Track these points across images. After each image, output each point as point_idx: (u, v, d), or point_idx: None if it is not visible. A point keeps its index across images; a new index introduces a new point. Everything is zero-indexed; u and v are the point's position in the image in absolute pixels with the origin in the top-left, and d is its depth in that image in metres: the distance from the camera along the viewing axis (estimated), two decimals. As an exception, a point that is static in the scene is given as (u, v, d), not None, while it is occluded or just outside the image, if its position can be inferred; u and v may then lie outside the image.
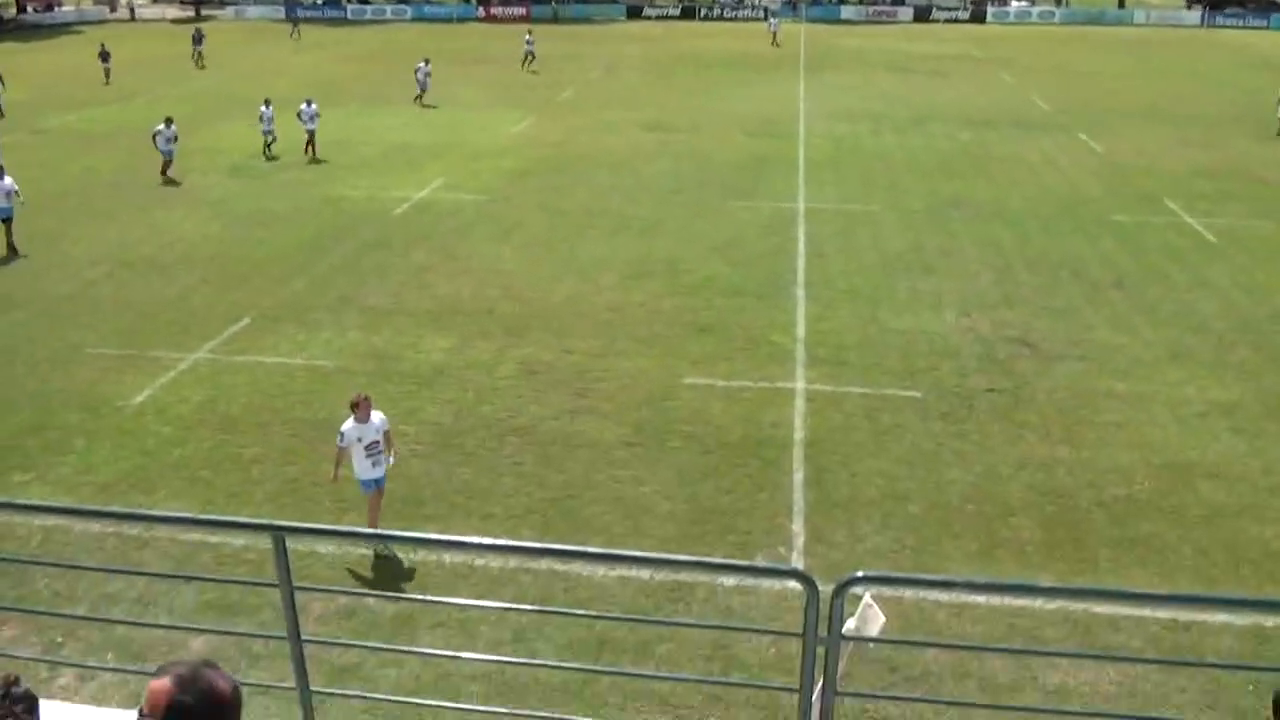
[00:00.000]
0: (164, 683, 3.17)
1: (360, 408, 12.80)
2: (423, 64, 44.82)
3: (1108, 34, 77.88)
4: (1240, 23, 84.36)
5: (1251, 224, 27.23)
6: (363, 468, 12.86)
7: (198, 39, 58.72)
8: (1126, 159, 34.68)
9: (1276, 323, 20.49)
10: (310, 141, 34.11)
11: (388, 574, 12.71)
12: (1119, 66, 58.95)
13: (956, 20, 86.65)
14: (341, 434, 12.79)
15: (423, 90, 44.47)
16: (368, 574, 12.70)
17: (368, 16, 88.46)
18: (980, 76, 54.28)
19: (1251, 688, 11.01)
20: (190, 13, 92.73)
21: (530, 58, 56.41)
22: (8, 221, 24.25)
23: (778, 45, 65.11)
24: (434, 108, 43.35)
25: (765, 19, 69.57)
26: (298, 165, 32.86)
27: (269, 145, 34.54)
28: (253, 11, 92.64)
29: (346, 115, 41.81)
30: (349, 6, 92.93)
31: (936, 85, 51.06)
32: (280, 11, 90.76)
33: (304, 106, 34.00)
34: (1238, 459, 15.53)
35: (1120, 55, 64.20)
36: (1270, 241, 25.72)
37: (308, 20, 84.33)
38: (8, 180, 24.19)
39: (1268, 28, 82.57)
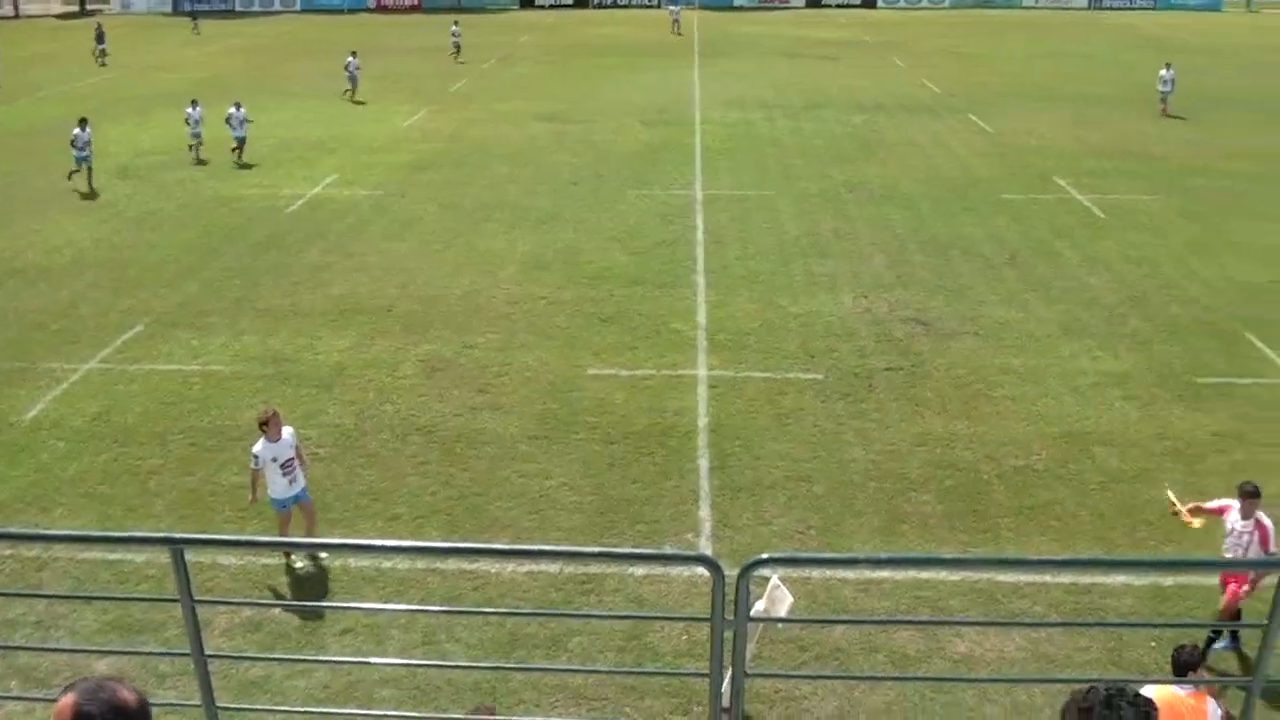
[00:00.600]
0: (69, 698, 3.13)
1: (270, 425, 12.42)
2: (351, 58, 43.39)
3: (997, 17, 79.33)
4: (1127, 4, 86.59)
5: (1138, 199, 28.00)
6: (279, 487, 12.48)
7: (100, 36, 56.64)
8: (1016, 139, 35.42)
9: (1165, 294, 21.12)
10: (239, 147, 32.38)
11: (293, 583, 12.52)
12: (1008, 49, 60.13)
13: (848, 6, 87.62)
14: (255, 456, 12.39)
15: (353, 85, 43.17)
16: (273, 584, 12.49)
17: (256, 8, 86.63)
18: (872, 61, 54.96)
19: (1153, 644, 11.40)
20: (75, 8, 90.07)
21: (457, 49, 55.23)
22: None
23: (679, 34, 64.74)
24: (364, 104, 42.30)
25: (665, 6, 68.61)
26: (183, 165, 32.05)
27: (195, 148, 32.91)
28: (139, 5, 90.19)
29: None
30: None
31: (829, 70, 51.60)
32: (168, 5, 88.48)
33: (233, 110, 32.18)
34: (1131, 426, 16.00)
35: (1009, 38, 65.49)
36: (1157, 216, 26.49)
37: (200, 14, 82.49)
38: None
39: (1154, 8, 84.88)
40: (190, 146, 32.88)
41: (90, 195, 28.87)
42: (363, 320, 19.97)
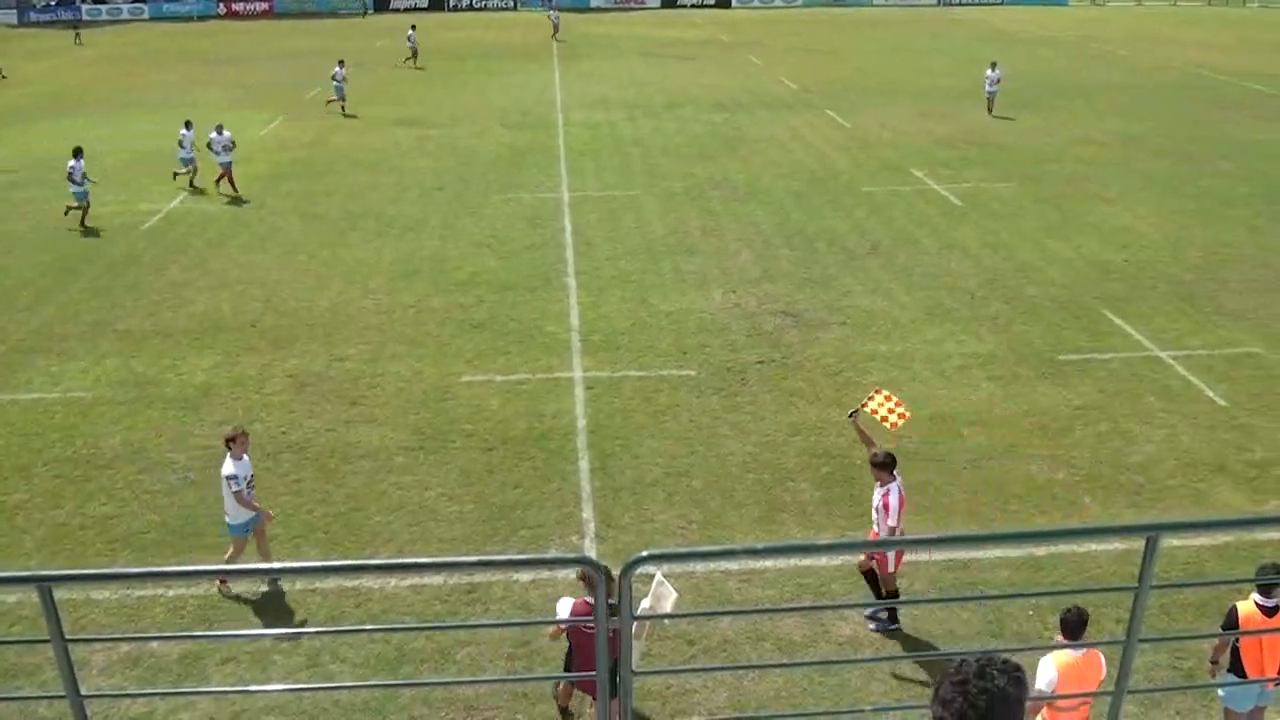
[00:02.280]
0: None
1: (239, 443, 12.12)
2: (338, 68, 41.52)
3: (850, 15, 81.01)
4: (975, 0, 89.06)
5: (992, 187, 28.88)
6: (242, 509, 12.13)
7: None
8: (872, 133, 36.20)
9: (1022, 276, 21.81)
10: (225, 175, 29.36)
11: (170, 613, 12.14)
12: (861, 46, 61.43)
13: (703, 6, 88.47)
14: (235, 477, 12.00)
15: (340, 97, 41.23)
16: (149, 615, 12.09)
17: (103, 17, 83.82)
18: (729, 60, 55.62)
19: (1031, 612, 11.77)
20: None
21: (415, 54, 53.51)
22: None
23: (559, 40, 64.00)
24: (355, 117, 40.41)
25: (546, 11, 67.20)
26: (37, 183, 30.80)
27: (191, 177, 30.02)
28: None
29: (87, 124, 39.48)
30: (84, 7, 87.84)
31: (687, 70, 52.05)
32: (13, 17, 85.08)
33: (214, 135, 29.05)
34: (997, 404, 16.50)
35: (862, 35, 66.91)
36: (1010, 202, 27.34)
37: (41, 24, 79.51)
38: None
39: (1001, 4, 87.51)
40: (186, 175, 30.03)
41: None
42: (227, 337, 19.48)
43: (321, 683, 10.87)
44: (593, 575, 9.04)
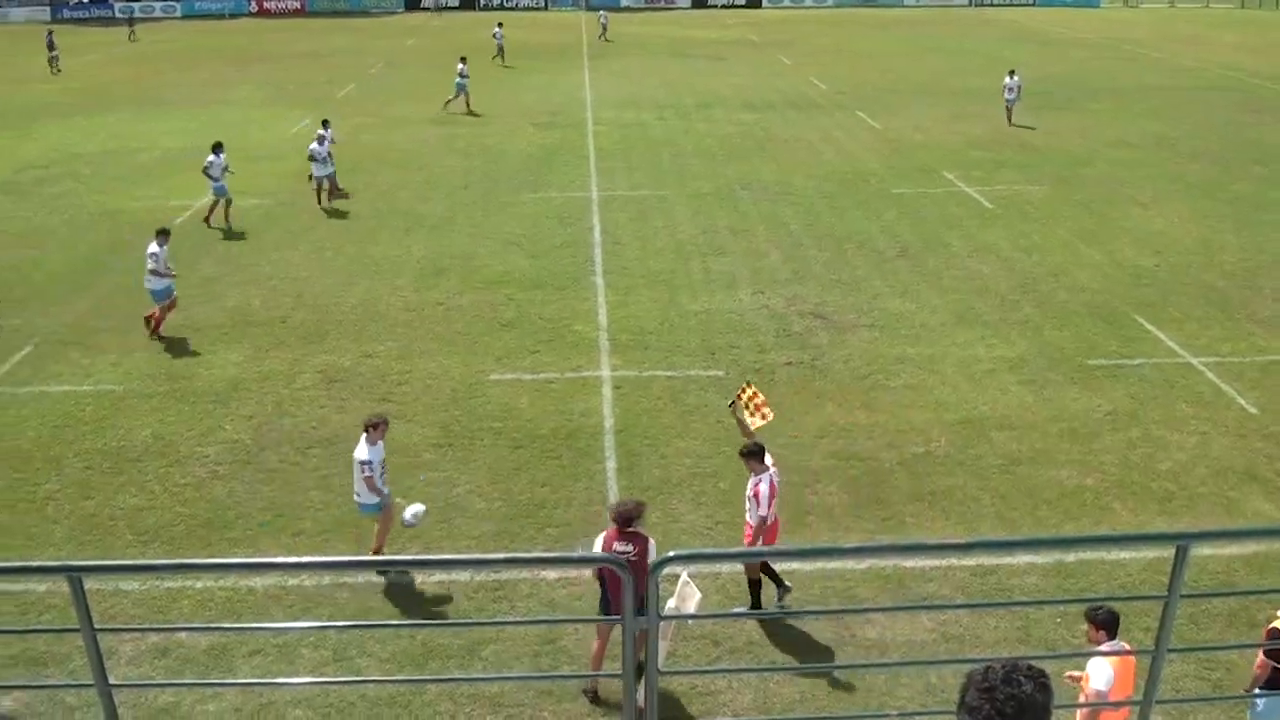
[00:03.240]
0: None
1: (379, 430, 12.40)
2: (461, 64, 41.06)
3: (881, 15, 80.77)
4: (1006, 1, 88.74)
5: (1025, 189, 28.72)
6: (372, 492, 12.42)
7: (51, 45, 54.61)
8: (904, 134, 36.07)
9: (1054, 280, 21.68)
10: (330, 187, 28.08)
11: (198, 605, 12.22)
12: (893, 47, 61.23)
13: (734, 6, 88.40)
14: (368, 463, 12.26)
15: (461, 94, 40.67)
16: (177, 607, 12.17)
17: (136, 14, 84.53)
18: (760, 60, 55.54)
19: (1059, 620, 11.68)
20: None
21: (501, 52, 53.26)
22: None
23: (608, 40, 63.47)
24: (478, 115, 40.31)
25: (596, 12, 66.09)
26: (70, 177, 31.10)
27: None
28: (17, 15, 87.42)
29: (120, 121, 39.89)
30: (116, 5, 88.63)
31: (717, 70, 52.01)
32: (46, 14, 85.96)
33: (315, 146, 27.67)
34: (1027, 409, 16.40)
35: (893, 36, 66.70)
36: (1043, 205, 27.19)
37: (72, 20, 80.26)
38: None
39: (1033, 5, 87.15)
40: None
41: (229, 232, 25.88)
42: (257, 332, 19.59)
43: (348, 677, 10.92)
44: (628, 509, 9.02)
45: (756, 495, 11.40)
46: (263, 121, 39.65)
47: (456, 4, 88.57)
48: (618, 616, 4.33)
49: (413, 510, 12.63)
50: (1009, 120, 37.20)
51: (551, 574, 12.51)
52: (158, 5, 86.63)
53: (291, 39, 67.10)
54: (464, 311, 20.47)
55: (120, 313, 20.57)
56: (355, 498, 12.70)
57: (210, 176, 25.69)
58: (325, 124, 29.05)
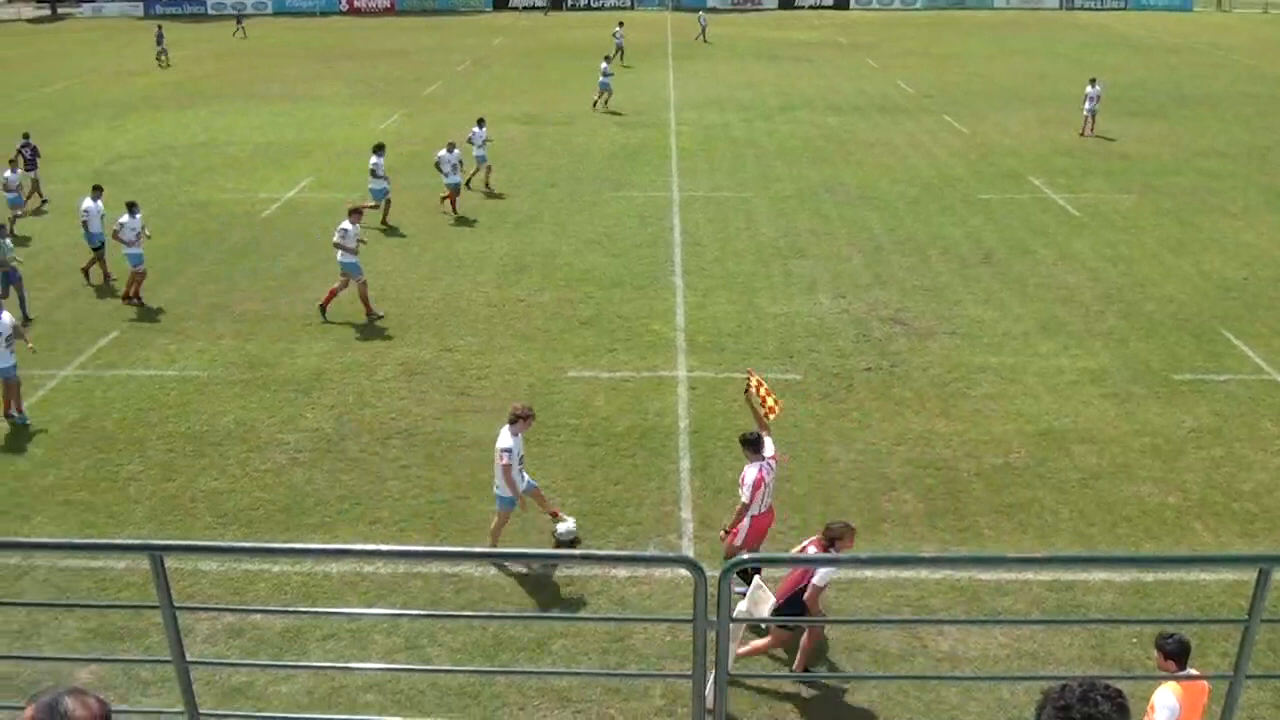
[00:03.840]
0: (28, 712, 3.14)
1: (525, 421, 12.56)
2: (605, 64, 41.93)
3: (970, 18, 79.73)
4: (1098, 5, 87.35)
5: (1112, 198, 28.20)
6: (511, 483, 12.50)
7: (159, 38, 56.34)
8: (990, 139, 35.60)
9: (1140, 291, 21.26)
10: (483, 171, 29.38)
11: (274, 588, 12.44)
12: (981, 49, 60.45)
13: (821, 7, 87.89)
14: (509, 450, 12.39)
15: (607, 90, 41.20)
16: (254, 589, 12.41)
17: (228, 11, 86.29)
18: (845, 62, 55.15)
19: (1135, 640, 11.44)
20: (46, 12, 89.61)
21: (620, 52, 53.50)
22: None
23: (707, 42, 62.82)
24: (618, 114, 40.56)
25: (699, 20, 65.92)
26: (161, 169, 31.85)
27: (486, 177, 29.59)
28: (111, 9, 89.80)
29: (211, 115, 40.77)
30: (209, 1, 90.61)
31: (803, 72, 51.73)
32: (140, 10, 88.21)
33: (476, 130, 29.13)
34: (1109, 423, 16.09)
35: (982, 38, 65.83)
36: (1130, 214, 26.67)
37: (166, 16, 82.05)
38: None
39: (1125, 8, 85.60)
40: (482, 177, 29.60)
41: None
42: (340, 324, 19.89)
43: (419, 665, 11.04)
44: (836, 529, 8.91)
45: (741, 481, 11.61)
46: (351, 118, 40.24)
47: (544, 3, 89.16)
48: (688, 617, 4.33)
49: (565, 526, 12.67)
50: (1088, 129, 35.73)
51: (622, 572, 12.54)
52: (249, 1, 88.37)
53: (380, 37, 68.00)
54: (544, 308, 20.60)
55: (207, 301, 21.03)
56: (495, 489, 12.77)
57: (376, 176, 25.79)
58: (480, 122, 29.26)
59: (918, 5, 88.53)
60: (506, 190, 29.17)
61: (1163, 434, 15.77)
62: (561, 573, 12.51)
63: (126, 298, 21.06)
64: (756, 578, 10.51)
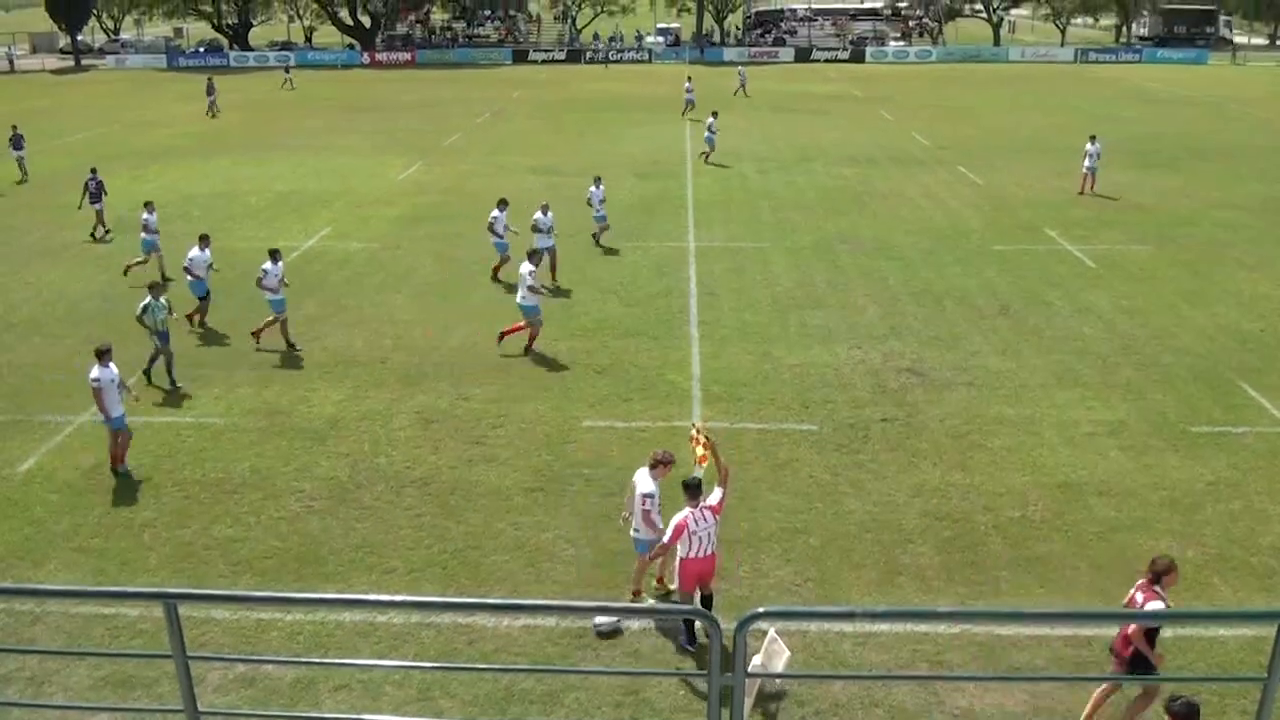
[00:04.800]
0: None
1: (666, 465, 12.64)
2: (711, 118, 42.17)
3: (984, 71, 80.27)
4: (1113, 58, 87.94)
5: (1128, 249, 28.19)
6: (649, 528, 12.50)
7: (210, 89, 57.44)
8: (1006, 190, 35.68)
9: (1157, 343, 21.19)
10: (600, 231, 28.77)
11: (287, 637, 12.40)
12: (996, 102, 60.77)
13: (836, 60, 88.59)
14: (651, 495, 12.44)
15: (711, 147, 41.20)
16: (266, 638, 12.36)
17: (250, 63, 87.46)
18: (861, 115, 55.47)
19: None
20: (70, 63, 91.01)
21: (690, 106, 54.16)
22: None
23: (746, 95, 62.73)
24: (726, 167, 40.85)
25: (739, 75, 64.83)
26: (182, 218, 32.11)
27: (597, 235, 29.04)
28: (134, 61, 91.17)
29: (232, 165, 41.20)
30: (231, 54, 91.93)
31: (819, 124, 52.04)
32: (163, 62, 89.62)
33: (593, 189, 28.71)
34: (1127, 475, 15.97)
35: (997, 91, 66.19)
36: (1147, 265, 26.65)
37: (187, 69, 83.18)
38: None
39: (1139, 61, 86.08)
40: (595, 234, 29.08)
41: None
42: (358, 372, 19.95)
43: (431, 718, 10.96)
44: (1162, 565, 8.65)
45: (670, 526, 11.66)
46: (371, 168, 40.60)
47: (563, 57, 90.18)
48: (702, 671, 4.30)
49: (606, 620, 12.55)
50: (1088, 187, 34.68)
51: (636, 624, 12.46)
52: (272, 55, 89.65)
53: (400, 89, 68.74)
54: (560, 358, 20.63)
55: (224, 348, 21.12)
56: (633, 533, 12.72)
57: (494, 233, 25.62)
58: (598, 181, 28.98)
59: (932, 58, 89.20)
60: (526, 239, 29.26)
61: (1181, 487, 15.65)
62: (575, 624, 12.43)
63: (256, 336, 21.28)
64: (771, 630, 10.44)
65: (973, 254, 27.79)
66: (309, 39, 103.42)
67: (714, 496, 11.78)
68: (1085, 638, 12.22)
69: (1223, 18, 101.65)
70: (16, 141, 37.80)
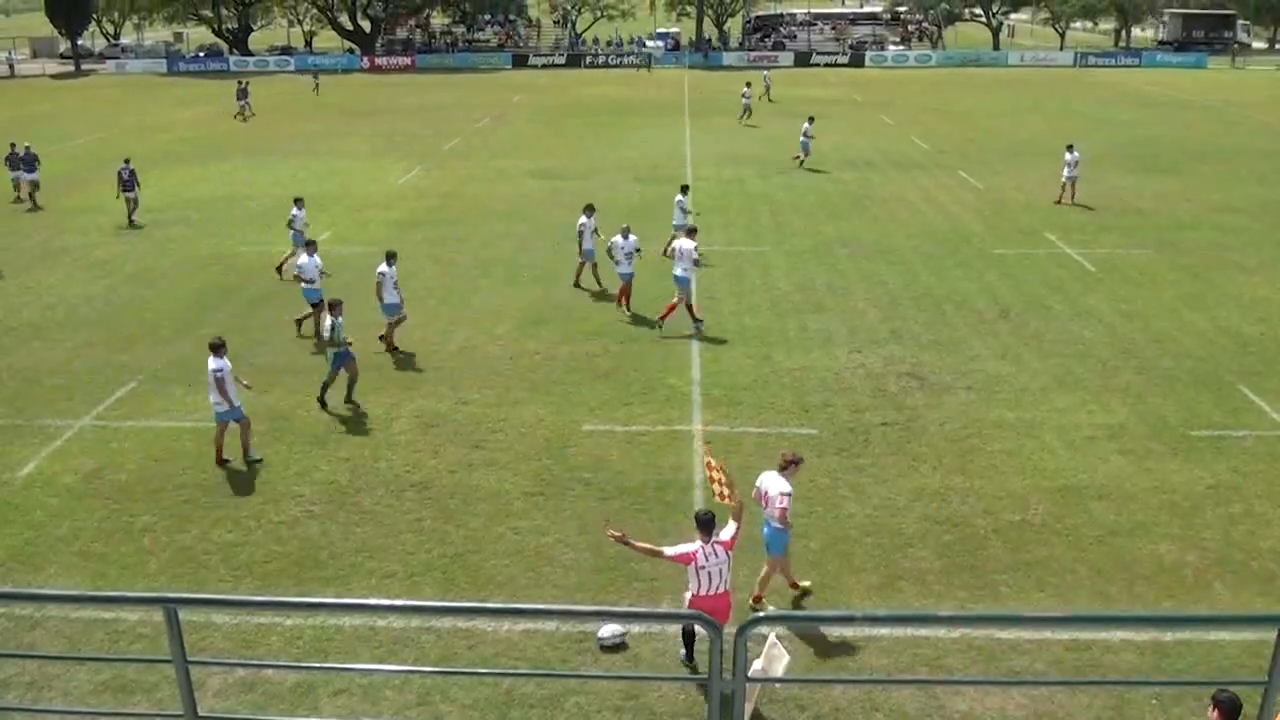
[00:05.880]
0: None
1: (798, 464, 12.88)
2: (808, 124, 41.80)
3: (984, 75, 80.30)
4: (1112, 62, 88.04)
5: (1128, 253, 28.19)
6: (786, 522, 12.69)
7: (240, 93, 57.62)
8: (1006, 194, 35.69)
9: (1157, 347, 21.19)
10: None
11: (286, 641, 12.39)
12: (996, 106, 60.79)
13: (836, 64, 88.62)
14: (790, 494, 12.60)
15: (806, 152, 41.16)
16: (266, 642, 12.36)
17: (250, 68, 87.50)
18: (861, 119, 55.50)
19: (1155, 701, 11.28)
20: (70, 68, 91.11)
21: (747, 111, 53.78)
22: None
23: (771, 100, 62.03)
24: (823, 172, 40.79)
25: (764, 81, 63.26)
26: (182, 222, 32.15)
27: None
28: (134, 66, 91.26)
29: (233, 170, 41.24)
30: (231, 58, 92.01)
31: (819, 128, 51.89)
32: (163, 66, 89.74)
33: (680, 197, 27.68)
34: (1127, 479, 15.97)
35: (997, 95, 66.22)
36: (1147, 269, 26.65)
37: (187, 73, 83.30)
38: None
39: (1139, 65, 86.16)
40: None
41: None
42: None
43: (431, 722, 10.96)
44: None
45: (676, 550, 11.26)
46: (370, 172, 40.63)
47: (563, 61, 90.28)
48: (703, 676, 4.30)
49: (610, 630, 12.43)
50: (1066, 197, 33.97)
51: (637, 628, 12.45)
52: (272, 59, 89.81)
53: (401, 93, 68.77)
54: (561, 361, 20.64)
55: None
56: (766, 530, 12.78)
57: (583, 241, 25.23)
58: (685, 189, 28.33)
59: (932, 62, 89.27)
60: (527, 243, 29.31)
61: (1181, 491, 15.65)
62: (575, 628, 12.42)
63: (391, 348, 21.29)
64: (772, 635, 10.42)
65: (973, 258, 27.79)
66: (309, 44, 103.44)
67: (727, 531, 11.27)
68: (1085, 642, 12.23)
69: (1239, 22, 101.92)
70: (129, 181, 33.07)
